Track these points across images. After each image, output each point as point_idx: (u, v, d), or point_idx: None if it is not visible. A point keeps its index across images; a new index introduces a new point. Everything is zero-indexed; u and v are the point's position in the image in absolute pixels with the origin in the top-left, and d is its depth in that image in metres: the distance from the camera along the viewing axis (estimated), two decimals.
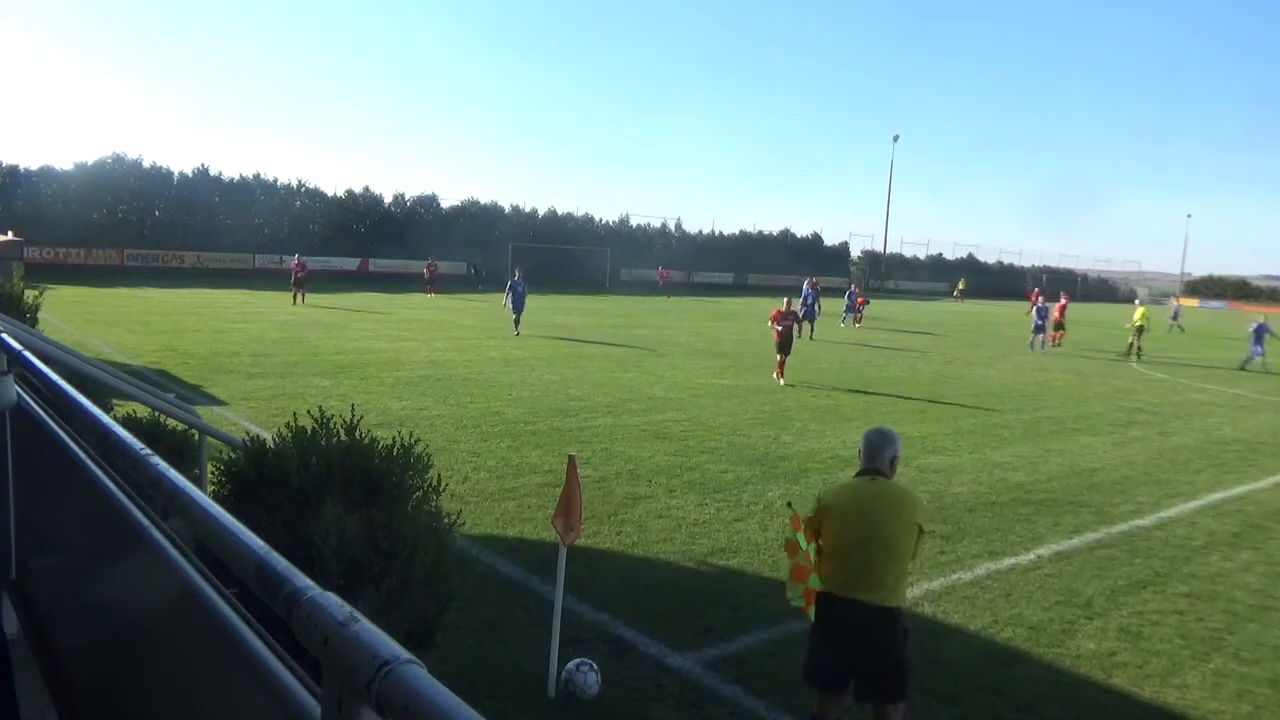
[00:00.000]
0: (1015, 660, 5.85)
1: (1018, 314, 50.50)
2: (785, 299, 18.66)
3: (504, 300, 24.26)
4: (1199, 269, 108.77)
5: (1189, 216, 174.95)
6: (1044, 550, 8.02)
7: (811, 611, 4.49)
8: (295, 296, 29.46)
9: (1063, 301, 30.10)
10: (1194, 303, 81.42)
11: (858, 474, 4.44)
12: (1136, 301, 32.35)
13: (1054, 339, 28.70)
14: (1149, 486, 10.61)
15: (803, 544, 4.43)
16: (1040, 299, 28.51)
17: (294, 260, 30.86)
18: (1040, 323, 27.72)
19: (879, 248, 73.80)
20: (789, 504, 5.06)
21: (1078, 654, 5.96)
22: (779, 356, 17.44)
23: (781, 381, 16.99)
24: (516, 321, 23.74)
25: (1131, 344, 27.29)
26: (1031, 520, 8.89)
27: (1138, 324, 27.25)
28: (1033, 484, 10.35)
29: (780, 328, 17.48)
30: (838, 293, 45.23)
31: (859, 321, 33.80)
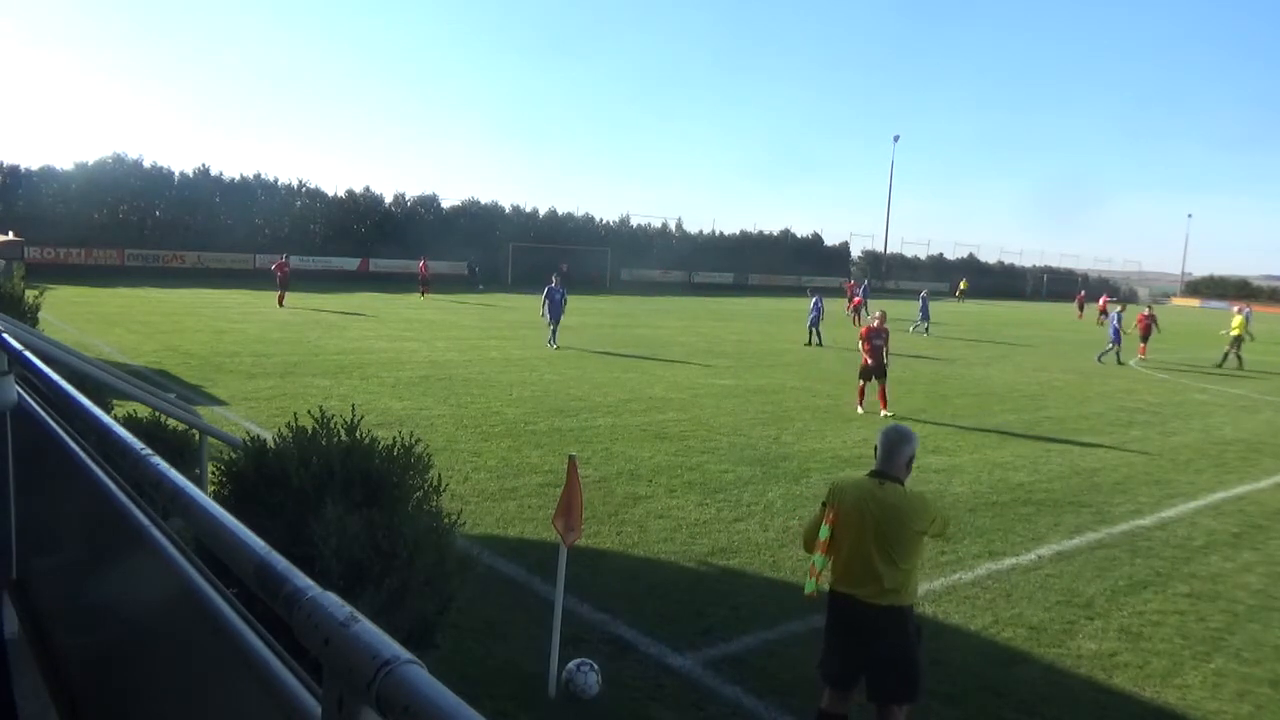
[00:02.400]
0: (1016, 660, 5.85)
1: (1018, 314, 50.50)
2: (878, 313, 15.44)
3: (541, 309, 21.91)
4: (1200, 269, 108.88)
5: (1189, 216, 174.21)
6: (1045, 550, 8.02)
7: (812, 587, 4.44)
8: (280, 299, 28.22)
9: (1147, 311, 27.57)
10: (1195, 303, 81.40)
11: (869, 473, 4.41)
12: (1235, 309, 29.87)
13: (1140, 351, 26.38)
14: (1150, 486, 10.61)
15: (823, 534, 4.38)
16: (1121, 306, 26.59)
17: (280, 259, 29.52)
18: (1116, 331, 25.12)
19: (879, 248, 73.86)
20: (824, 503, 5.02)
21: (1078, 654, 5.96)
22: (862, 381, 14.70)
23: (885, 411, 14.21)
24: (554, 333, 21.29)
25: (1228, 354, 25.65)
26: (1032, 520, 8.89)
27: (1235, 333, 25.70)
28: (1033, 484, 10.35)
29: (870, 348, 14.58)
30: (839, 293, 45.15)
31: (858, 322, 33.73)
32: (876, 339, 14.64)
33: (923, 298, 33.07)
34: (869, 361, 14.56)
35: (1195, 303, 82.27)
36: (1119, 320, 25.30)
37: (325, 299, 31.99)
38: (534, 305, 34.54)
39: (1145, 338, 26.72)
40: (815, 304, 25.96)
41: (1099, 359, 25.02)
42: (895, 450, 4.34)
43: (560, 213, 56.82)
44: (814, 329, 25.41)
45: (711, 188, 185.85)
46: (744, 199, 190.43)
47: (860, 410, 14.44)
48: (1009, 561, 7.68)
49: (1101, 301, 35.67)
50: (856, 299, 35.50)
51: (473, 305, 33.92)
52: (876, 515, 4.19)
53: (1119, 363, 24.67)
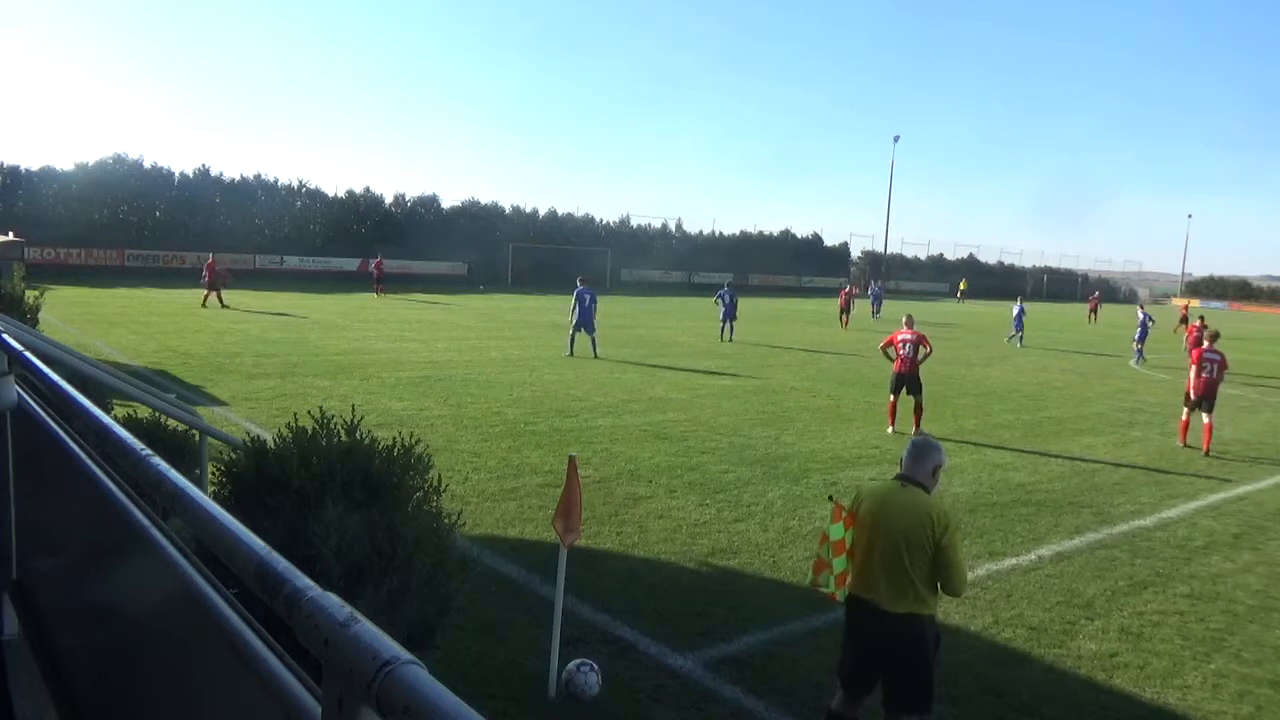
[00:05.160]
0: (1016, 661, 5.84)
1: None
2: (905, 316, 13.96)
3: (569, 315, 19.96)
4: (1200, 269, 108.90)
5: (1189, 217, 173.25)
6: (1045, 551, 8.01)
7: (840, 595, 4.42)
8: (207, 298, 26.80)
9: (1198, 322, 22.64)
10: (1196, 303, 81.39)
11: (894, 477, 4.38)
12: None
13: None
14: (1150, 487, 10.61)
15: (836, 534, 4.35)
16: (1182, 308, 26.00)
17: (209, 260, 28.17)
18: (1142, 332, 25.01)
19: (880, 248, 73.82)
20: (830, 497, 5.01)
21: (1079, 655, 5.95)
22: (893, 396, 13.08)
23: (891, 428, 12.98)
24: (573, 341, 19.75)
25: None
26: (1032, 520, 8.89)
27: None
28: (1033, 484, 10.35)
29: (903, 356, 13.02)
30: (827, 294, 44.86)
31: (845, 324, 33.28)
32: (908, 346, 13.03)
33: (1020, 308, 30.14)
34: (899, 371, 13.08)
35: (1195, 303, 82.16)
36: (1148, 322, 25.29)
37: (325, 300, 31.99)
38: (536, 305, 34.66)
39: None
40: (726, 299, 25.07)
41: (1137, 362, 24.71)
42: (921, 457, 4.31)
43: (560, 213, 56.85)
44: (728, 323, 24.87)
45: (711, 188, 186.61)
46: (744, 199, 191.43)
47: (891, 430, 12.94)
48: (1009, 562, 7.68)
49: (1183, 307, 34.11)
50: (842, 296, 34.53)
51: (442, 307, 33.86)
52: (900, 518, 4.15)
53: (1141, 364, 24.45)
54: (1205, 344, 13.75)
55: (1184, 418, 13.53)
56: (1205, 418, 13.08)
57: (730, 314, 25.04)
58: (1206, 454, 12.77)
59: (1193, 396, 13.36)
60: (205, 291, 27.12)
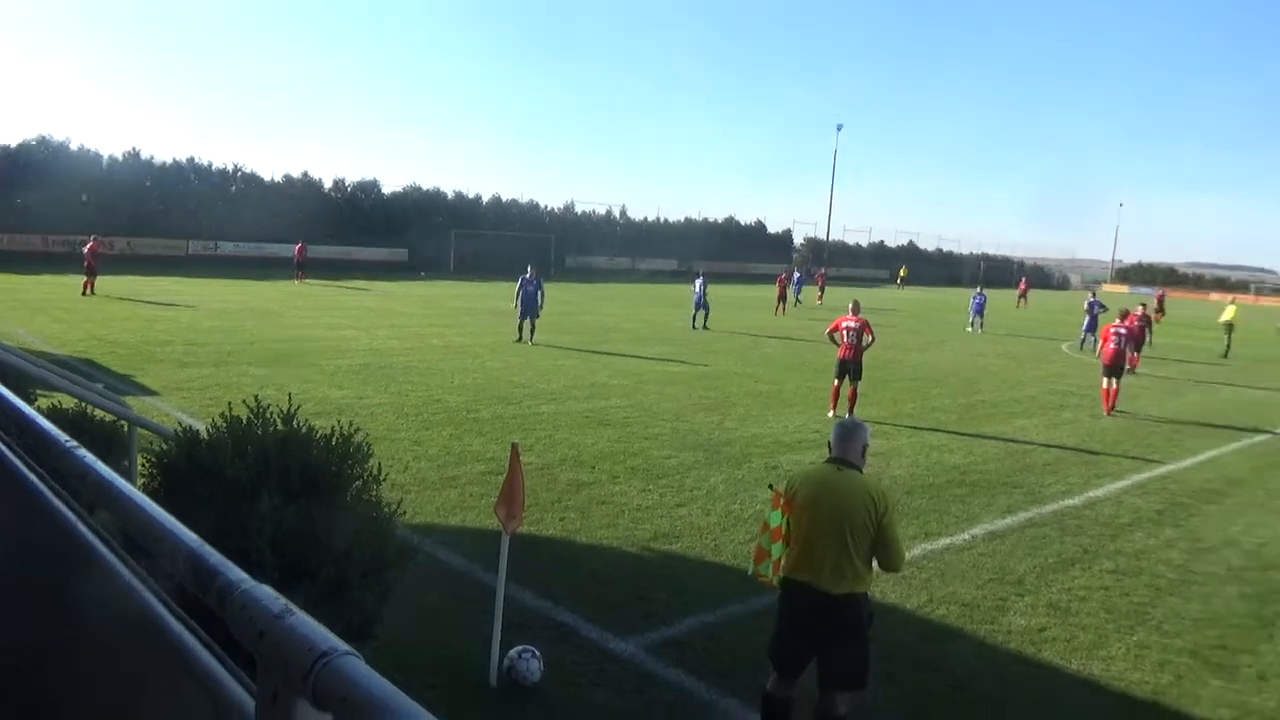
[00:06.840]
0: (949, 637, 6.01)
1: (959, 299, 51.45)
2: (852, 302, 13.97)
3: (514, 302, 19.95)
4: (1130, 257, 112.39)
5: (1120, 205, 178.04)
6: (978, 530, 8.23)
7: (776, 580, 4.47)
8: (86, 286, 24.38)
9: (1140, 310, 21.86)
10: (1124, 289, 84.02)
11: (827, 460, 4.44)
12: (1231, 299, 31.90)
13: (1133, 362, 19.20)
14: (1079, 467, 10.96)
15: (775, 520, 4.41)
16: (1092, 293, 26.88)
17: (89, 243, 25.61)
18: (1090, 320, 25.30)
19: (822, 235, 74.60)
20: (770, 485, 5.07)
21: (1009, 630, 6.14)
22: (836, 381, 13.31)
23: (832, 413, 13.14)
24: (529, 328, 19.62)
25: (1228, 345, 26.87)
26: (966, 501, 9.12)
27: (1227, 320, 27.15)
28: (968, 466, 10.61)
29: (846, 343, 13.14)
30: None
31: (782, 311, 33.14)
32: (853, 333, 13.10)
33: (982, 297, 30.74)
34: (843, 357, 13.14)
35: (1124, 289, 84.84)
36: (1098, 309, 25.86)
37: (263, 286, 31.29)
38: (478, 293, 34.33)
39: (1138, 345, 20.69)
40: (697, 288, 25.35)
41: (1080, 346, 25.60)
42: (849, 439, 4.40)
43: (504, 199, 56.23)
44: (702, 310, 25.05)
45: (656, 175, 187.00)
46: (689, 186, 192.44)
47: (832, 414, 13.02)
48: (944, 541, 7.87)
49: (1158, 297, 34.86)
50: (781, 280, 34.57)
51: (382, 294, 33.40)
52: (838, 501, 4.21)
53: (1085, 350, 25.00)
54: (1116, 321, 15.66)
55: (1103, 386, 15.18)
56: (1114, 383, 14.94)
57: (700, 303, 25.14)
58: (1109, 414, 14.69)
59: (1103, 365, 15.21)
60: (85, 278, 24.49)
